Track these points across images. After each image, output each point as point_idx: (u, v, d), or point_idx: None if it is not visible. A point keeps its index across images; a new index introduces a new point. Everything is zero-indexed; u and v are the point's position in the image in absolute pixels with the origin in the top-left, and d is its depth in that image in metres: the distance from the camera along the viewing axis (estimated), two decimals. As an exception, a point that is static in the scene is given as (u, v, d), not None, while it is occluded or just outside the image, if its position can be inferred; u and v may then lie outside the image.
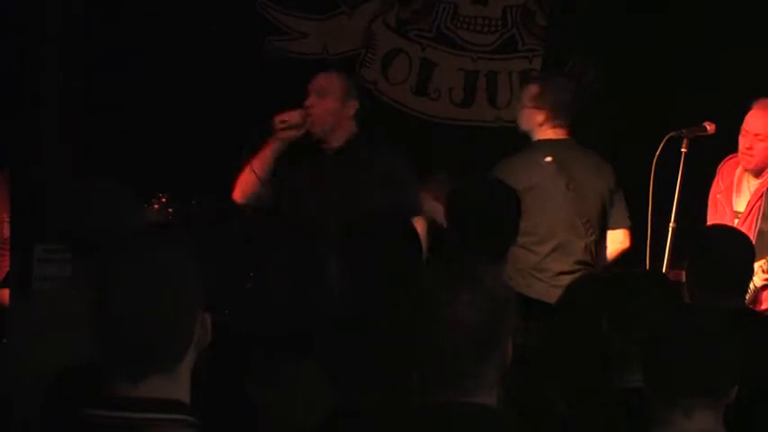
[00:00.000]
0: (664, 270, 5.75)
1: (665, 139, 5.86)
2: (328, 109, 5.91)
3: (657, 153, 5.84)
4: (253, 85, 7.25)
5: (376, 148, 5.99)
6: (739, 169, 6.01)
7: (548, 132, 6.13)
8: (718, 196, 6.05)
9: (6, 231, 6.54)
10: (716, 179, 6.09)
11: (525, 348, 3.65)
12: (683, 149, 5.90)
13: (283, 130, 5.88)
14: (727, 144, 6.07)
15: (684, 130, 5.93)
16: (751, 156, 5.90)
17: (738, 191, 6.01)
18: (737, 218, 5.94)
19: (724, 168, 6.08)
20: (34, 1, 6.92)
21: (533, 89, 6.21)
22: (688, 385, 3.01)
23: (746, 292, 4.78)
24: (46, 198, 5.60)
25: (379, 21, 7.59)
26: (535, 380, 3.71)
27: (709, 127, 5.99)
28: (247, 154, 5.97)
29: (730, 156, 6.06)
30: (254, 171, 5.87)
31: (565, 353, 3.84)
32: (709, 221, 6.02)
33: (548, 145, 6.11)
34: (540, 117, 6.12)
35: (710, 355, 3.03)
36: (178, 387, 2.42)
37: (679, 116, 6.23)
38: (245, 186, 5.92)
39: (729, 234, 4.68)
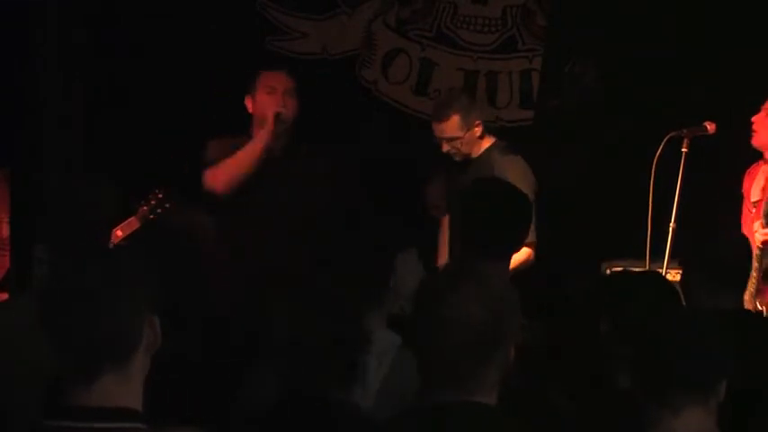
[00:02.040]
0: (664, 270, 5.75)
1: (665, 139, 5.85)
2: (294, 110, 5.86)
3: (657, 153, 5.84)
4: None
5: (313, 150, 5.94)
6: (762, 168, 6.05)
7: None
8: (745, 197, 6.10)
9: (5, 231, 6.53)
10: (743, 186, 6.14)
11: (526, 348, 3.66)
12: (683, 149, 5.89)
13: (279, 122, 5.80)
14: (727, 144, 6.08)
15: (684, 130, 5.93)
16: (755, 130, 5.95)
17: (756, 185, 6.04)
18: (754, 207, 5.97)
19: (748, 173, 6.12)
20: (34, 2, 6.93)
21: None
22: (673, 380, 3.01)
23: (743, 292, 4.78)
24: (45, 198, 5.60)
25: (379, 21, 7.59)
26: (535, 380, 3.71)
27: (710, 127, 5.99)
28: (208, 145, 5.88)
29: (753, 164, 6.10)
30: (242, 161, 5.78)
31: (565, 353, 3.84)
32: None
33: None
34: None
35: (696, 351, 3.03)
36: (130, 394, 2.45)
37: (679, 116, 6.22)
38: (231, 176, 5.80)
39: (727, 234, 4.69)
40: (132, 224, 5.86)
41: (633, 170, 6.15)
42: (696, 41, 6.89)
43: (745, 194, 6.10)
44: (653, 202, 5.84)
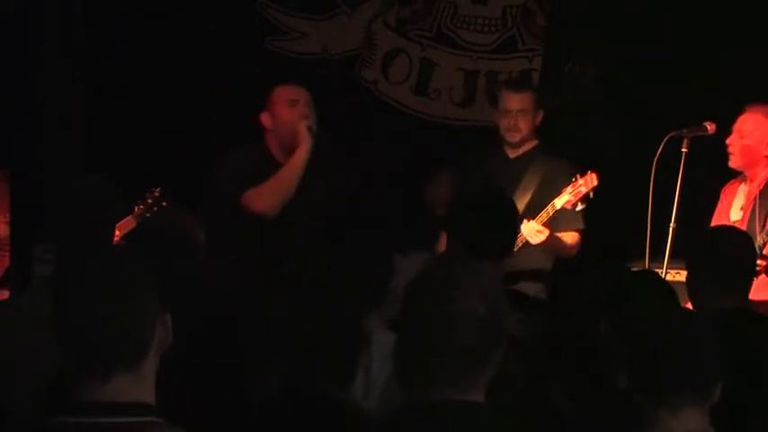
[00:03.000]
0: (663, 270, 5.75)
1: (665, 139, 5.85)
2: (314, 122, 5.78)
3: (657, 153, 5.84)
4: (252, 85, 7.25)
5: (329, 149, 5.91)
6: (740, 188, 6.03)
7: None
8: (721, 216, 6.06)
9: (5, 231, 6.54)
10: (720, 200, 6.11)
11: (524, 348, 3.65)
12: (683, 149, 5.89)
13: (312, 135, 5.69)
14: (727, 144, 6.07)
15: (684, 130, 5.93)
16: (731, 153, 5.93)
17: (736, 203, 6.02)
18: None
19: (726, 189, 6.10)
20: (35, 2, 6.93)
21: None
22: (670, 382, 3.01)
23: (748, 292, 4.75)
24: (45, 198, 5.60)
25: (379, 21, 7.59)
26: (535, 380, 3.71)
27: (710, 127, 5.98)
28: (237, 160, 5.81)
29: (732, 179, 6.09)
30: (288, 181, 5.66)
31: (565, 353, 3.84)
32: None
33: None
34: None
35: (693, 353, 3.02)
36: (143, 389, 2.48)
37: (679, 116, 6.23)
38: (278, 199, 5.65)
39: (732, 234, 4.65)
40: (129, 223, 5.86)
41: (633, 170, 6.15)
42: (696, 41, 6.89)
43: (721, 211, 6.06)
44: (653, 202, 5.84)
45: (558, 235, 6.03)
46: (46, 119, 7.01)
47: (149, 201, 5.99)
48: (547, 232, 5.94)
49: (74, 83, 7.10)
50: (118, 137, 7.09)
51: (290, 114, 5.75)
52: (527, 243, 5.92)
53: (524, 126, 6.21)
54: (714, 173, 6.19)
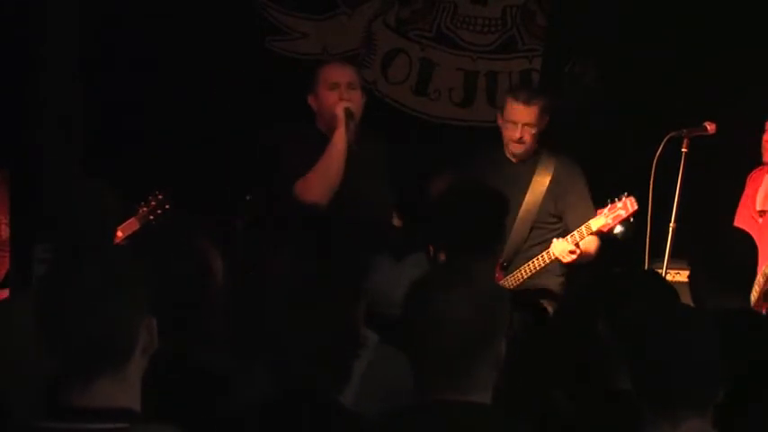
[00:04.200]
0: (663, 270, 5.76)
1: (665, 139, 5.86)
2: (360, 102, 5.72)
3: (657, 153, 5.84)
4: (252, 85, 7.25)
5: (373, 140, 5.85)
6: (767, 177, 6.05)
7: None
8: (747, 203, 6.08)
9: (5, 233, 6.53)
10: (745, 186, 6.12)
11: (522, 348, 3.65)
12: (683, 149, 5.90)
13: (350, 117, 5.62)
14: (727, 144, 6.08)
15: (684, 130, 5.94)
16: (764, 148, 5.95)
17: (762, 192, 6.04)
18: (762, 217, 5.95)
19: (752, 176, 6.12)
20: (35, 2, 6.93)
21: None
22: (673, 393, 2.97)
23: (750, 293, 4.75)
24: (45, 198, 5.60)
25: (379, 21, 7.60)
26: (535, 380, 3.71)
27: (710, 127, 5.99)
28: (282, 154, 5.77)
29: (758, 167, 6.11)
30: (332, 167, 5.59)
31: (564, 353, 3.84)
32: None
33: None
34: None
35: (694, 358, 2.98)
36: (128, 394, 2.47)
37: (679, 116, 6.23)
38: (327, 185, 5.57)
39: (735, 235, 4.64)
40: (132, 225, 5.86)
41: (633, 170, 6.15)
42: (696, 41, 6.90)
43: (748, 198, 6.08)
44: (653, 202, 5.85)
45: (584, 248, 5.93)
46: (46, 119, 7.00)
47: (153, 203, 5.99)
48: (578, 251, 5.85)
49: (74, 83, 7.09)
50: (118, 137, 7.08)
51: (330, 98, 5.67)
52: (554, 261, 5.90)
53: (529, 139, 6.09)
54: (714, 173, 6.20)
